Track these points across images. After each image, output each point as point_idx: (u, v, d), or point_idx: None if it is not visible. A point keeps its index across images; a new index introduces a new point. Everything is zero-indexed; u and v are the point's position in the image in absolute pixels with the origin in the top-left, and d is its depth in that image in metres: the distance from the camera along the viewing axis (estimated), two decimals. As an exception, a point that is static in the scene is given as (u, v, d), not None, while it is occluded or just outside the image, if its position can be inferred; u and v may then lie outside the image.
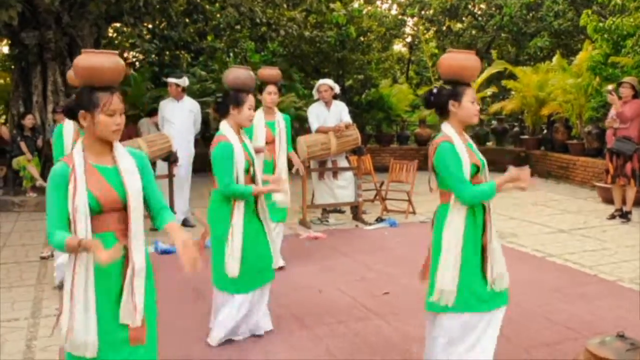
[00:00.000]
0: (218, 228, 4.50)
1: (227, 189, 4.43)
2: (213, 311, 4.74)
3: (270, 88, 6.81)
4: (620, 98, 8.79)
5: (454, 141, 3.52)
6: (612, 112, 8.87)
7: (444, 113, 3.63)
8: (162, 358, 4.28)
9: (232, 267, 4.43)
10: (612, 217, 9.02)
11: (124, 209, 2.91)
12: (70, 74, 6.46)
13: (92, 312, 2.84)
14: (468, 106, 3.57)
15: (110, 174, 2.91)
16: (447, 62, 3.74)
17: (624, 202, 9.02)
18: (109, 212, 2.88)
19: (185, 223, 8.90)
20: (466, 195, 3.45)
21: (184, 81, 9.01)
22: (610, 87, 8.93)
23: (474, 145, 3.74)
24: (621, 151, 8.71)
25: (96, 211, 2.84)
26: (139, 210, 2.94)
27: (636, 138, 8.80)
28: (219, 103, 4.71)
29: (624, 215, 8.94)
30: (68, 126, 5.80)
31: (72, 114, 2.95)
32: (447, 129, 3.59)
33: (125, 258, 2.89)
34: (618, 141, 8.73)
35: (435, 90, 3.69)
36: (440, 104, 3.63)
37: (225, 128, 4.58)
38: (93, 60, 2.88)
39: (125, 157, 2.99)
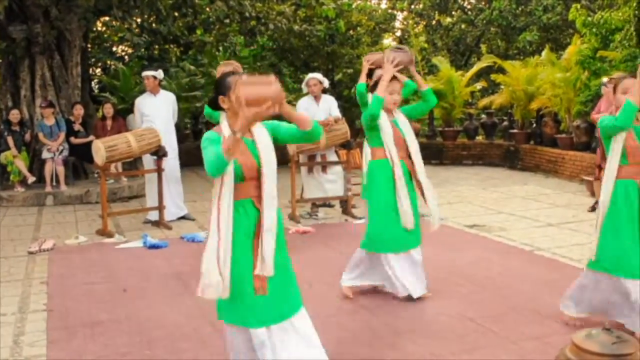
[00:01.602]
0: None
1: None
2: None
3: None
4: None
5: None
6: (610, 107, 8.83)
7: None
8: (151, 353, 4.29)
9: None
10: (593, 209, 9.09)
11: (259, 178, 3.35)
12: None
13: (228, 262, 3.28)
14: None
15: (251, 145, 3.36)
16: None
17: None
18: (249, 180, 3.34)
19: (185, 217, 8.91)
20: None
21: (160, 73, 8.97)
22: (605, 79, 8.92)
23: None
24: None
25: (239, 178, 3.30)
26: (271, 178, 3.36)
27: None
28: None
29: None
30: None
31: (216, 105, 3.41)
32: None
33: (259, 219, 3.33)
34: None
35: None
36: None
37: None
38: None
39: (260, 131, 3.41)
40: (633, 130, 4.35)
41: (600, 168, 8.99)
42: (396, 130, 5.30)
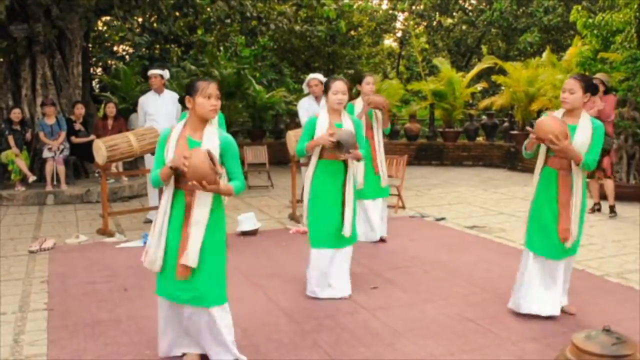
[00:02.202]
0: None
1: (297, 151, 5.54)
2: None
3: (369, 79, 7.62)
4: None
5: None
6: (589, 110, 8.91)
7: None
8: (151, 353, 4.29)
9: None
10: (592, 210, 9.13)
11: None
12: None
13: (164, 239, 3.84)
14: None
15: (195, 145, 3.81)
16: None
17: (603, 196, 9.12)
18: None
19: None
20: None
21: (166, 73, 8.99)
22: None
23: None
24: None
25: (178, 171, 3.74)
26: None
27: (611, 133, 8.94)
28: None
29: (611, 210, 9.03)
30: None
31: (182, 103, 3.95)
32: None
33: (188, 210, 3.82)
34: None
35: None
36: None
37: (323, 109, 5.56)
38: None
39: (211, 136, 3.86)
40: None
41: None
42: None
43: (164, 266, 3.86)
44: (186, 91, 3.85)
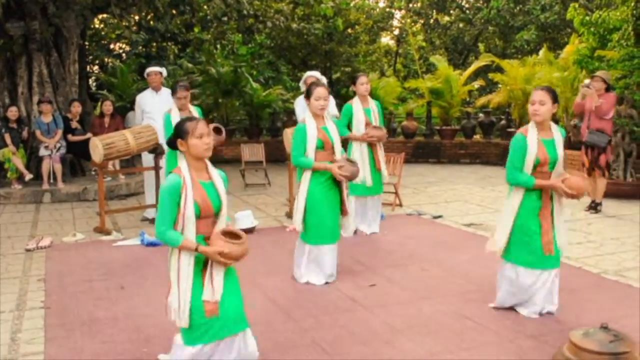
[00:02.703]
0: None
1: (293, 160, 5.71)
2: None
3: (363, 79, 7.82)
4: None
5: None
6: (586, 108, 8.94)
7: None
8: (149, 350, 4.29)
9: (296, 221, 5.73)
10: (590, 208, 9.14)
11: (212, 215, 3.71)
12: None
13: (189, 293, 3.64)
14: None
15: (209, 187, 3.72)
16: None
17: (604, 194, 9.14)
18: (204, 219, 3.68)
19: None
20: None
21: (164, 71, 8.98)
22: (587, 81, 8.99)
23: None
24: (595, 144, 8.83)
25: (197, 216, 3.63)
26: (225, 216, 3.77)
27: (609, 131, 8.94)
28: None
29: (595, 207, 9.05)
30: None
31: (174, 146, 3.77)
32: None
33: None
34: (592, 134, 8.84)
35: None
36: None
37: (307, 115, 5.76)
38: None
39: (218, 176, 3.80)
40: (543, 144, 4.76)
41: (584, 166, 9.09)
42: (324, 135, 5.70)
43: (192, 316, 3.66)
44: (176, 135, 3.71)
